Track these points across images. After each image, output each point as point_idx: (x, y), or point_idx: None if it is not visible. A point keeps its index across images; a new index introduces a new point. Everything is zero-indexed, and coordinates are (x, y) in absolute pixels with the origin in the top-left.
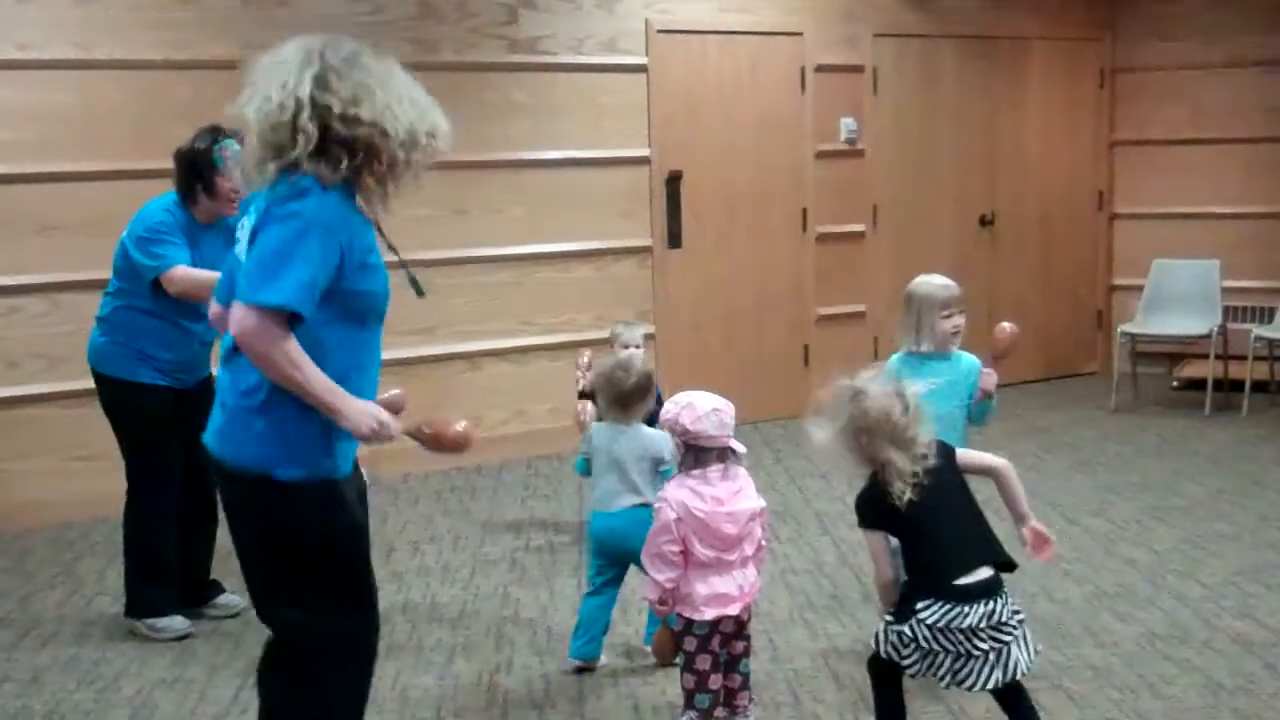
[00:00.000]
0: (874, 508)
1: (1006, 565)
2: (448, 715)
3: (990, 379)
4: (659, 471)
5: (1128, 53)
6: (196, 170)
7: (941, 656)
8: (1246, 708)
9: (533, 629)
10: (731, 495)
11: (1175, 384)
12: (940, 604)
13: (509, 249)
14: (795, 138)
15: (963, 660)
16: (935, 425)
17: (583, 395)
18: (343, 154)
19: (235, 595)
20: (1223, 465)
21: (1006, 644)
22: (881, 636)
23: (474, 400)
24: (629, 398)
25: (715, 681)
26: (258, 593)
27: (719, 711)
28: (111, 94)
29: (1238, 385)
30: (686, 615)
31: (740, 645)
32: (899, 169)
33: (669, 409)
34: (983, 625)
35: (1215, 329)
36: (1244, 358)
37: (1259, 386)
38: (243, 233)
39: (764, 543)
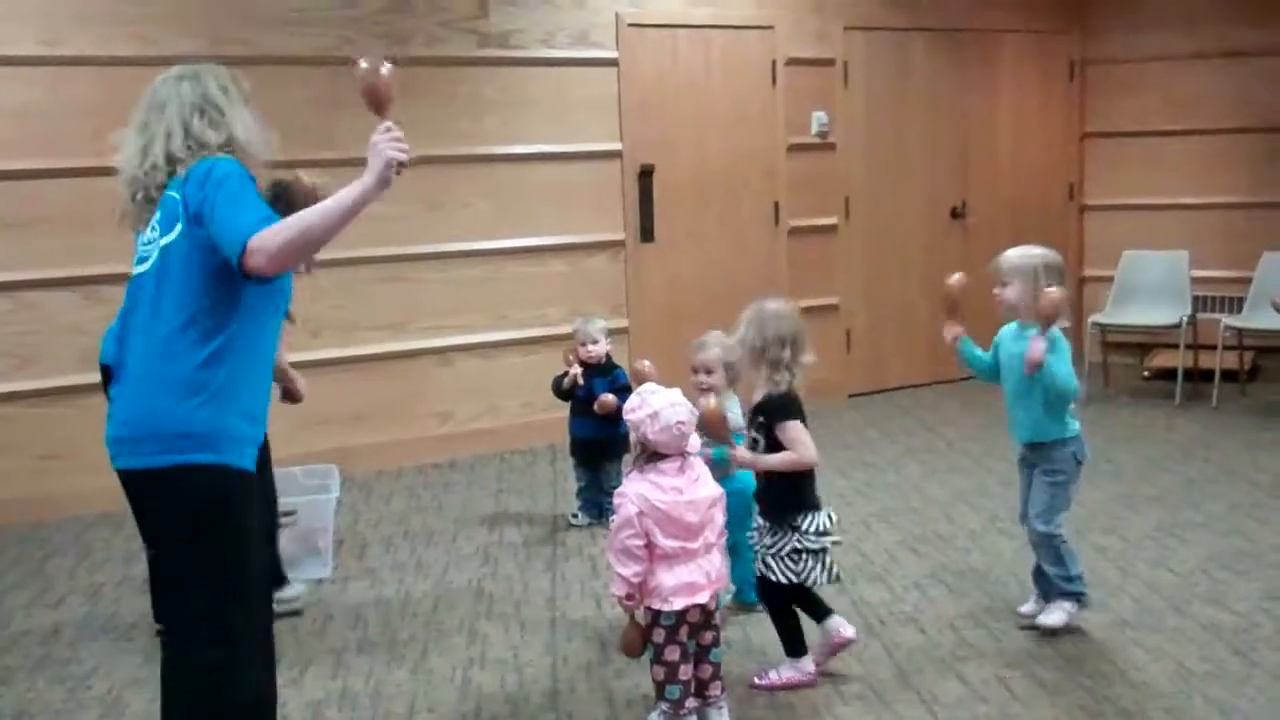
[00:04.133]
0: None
1: None
2: (421, 710)
3: (1035, 347)
4: None
5: (1097, 45)
6: None
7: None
8: (1216, 693)
9: (505, 624)
10: (690, 484)
11: (1146, 374)
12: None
13: (481, 244)
14: (767, 131)
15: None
16: (1010, 397)
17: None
18: None
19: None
20: (1193, 454)
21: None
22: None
23: (446, 395)
24: None
25: (685, 672)
26: None
27: (691, 702)
28: (79, 90)
29: (1208, 375)
30: (655, 607)
31: (709, 635)
32: (870, 162)
33: (635, 406)
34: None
35: (1185, 319)
36: (1214, 347)
37: (1228, 376)
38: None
39: (724, 530)
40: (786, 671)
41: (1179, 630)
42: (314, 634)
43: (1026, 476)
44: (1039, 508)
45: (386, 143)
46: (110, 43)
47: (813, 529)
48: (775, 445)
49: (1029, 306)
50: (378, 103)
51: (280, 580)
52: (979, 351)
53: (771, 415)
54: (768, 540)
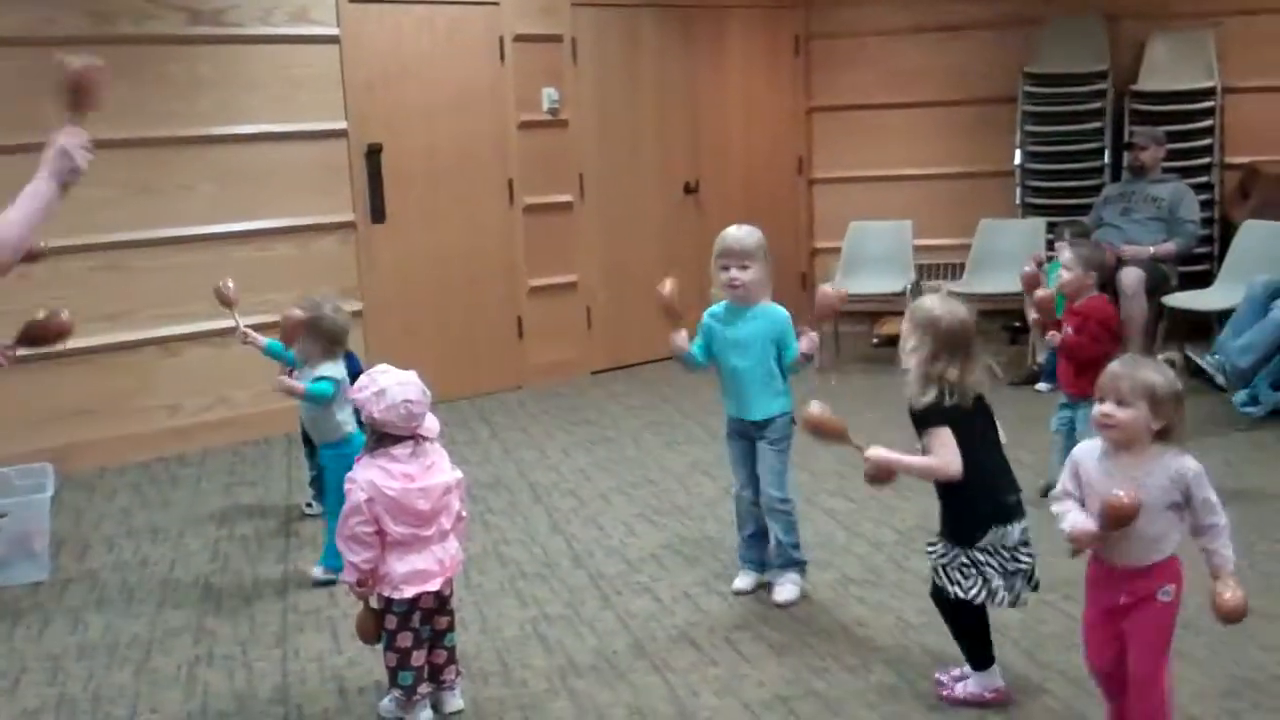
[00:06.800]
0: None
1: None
2: (144, 712)
3: (811, 342)
4: None
5: (820, 19)
6: None
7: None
8: (934, 644)
9: (234, 619)
10: (423, 471)
11: (875, 340)
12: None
13: (201, 228)
14: (497, 108)
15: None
16: (745, 377)
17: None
18: None
19: None
20: None
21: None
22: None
23: (173, 387)
24: None
25: (418, 658)
26: None
27: (424, 687)
28: None
29: None
30: (386, 594)
31: (444, 620)
32: (603, 138)
33: (363, 385)
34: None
35: (909, 286)
36: None
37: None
38: None
39: (463, 514)
40: (972, 686)
41: (900, 585)
42: (29, 640)
43: (744, 449)
44: (774, 476)
45: (79, 148)
46: None
47: (987, 544)
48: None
49: (763, 288)
50: (84, 101)
51: None
52: (693, 348)
53: (918, 423)
54: (940, 549)
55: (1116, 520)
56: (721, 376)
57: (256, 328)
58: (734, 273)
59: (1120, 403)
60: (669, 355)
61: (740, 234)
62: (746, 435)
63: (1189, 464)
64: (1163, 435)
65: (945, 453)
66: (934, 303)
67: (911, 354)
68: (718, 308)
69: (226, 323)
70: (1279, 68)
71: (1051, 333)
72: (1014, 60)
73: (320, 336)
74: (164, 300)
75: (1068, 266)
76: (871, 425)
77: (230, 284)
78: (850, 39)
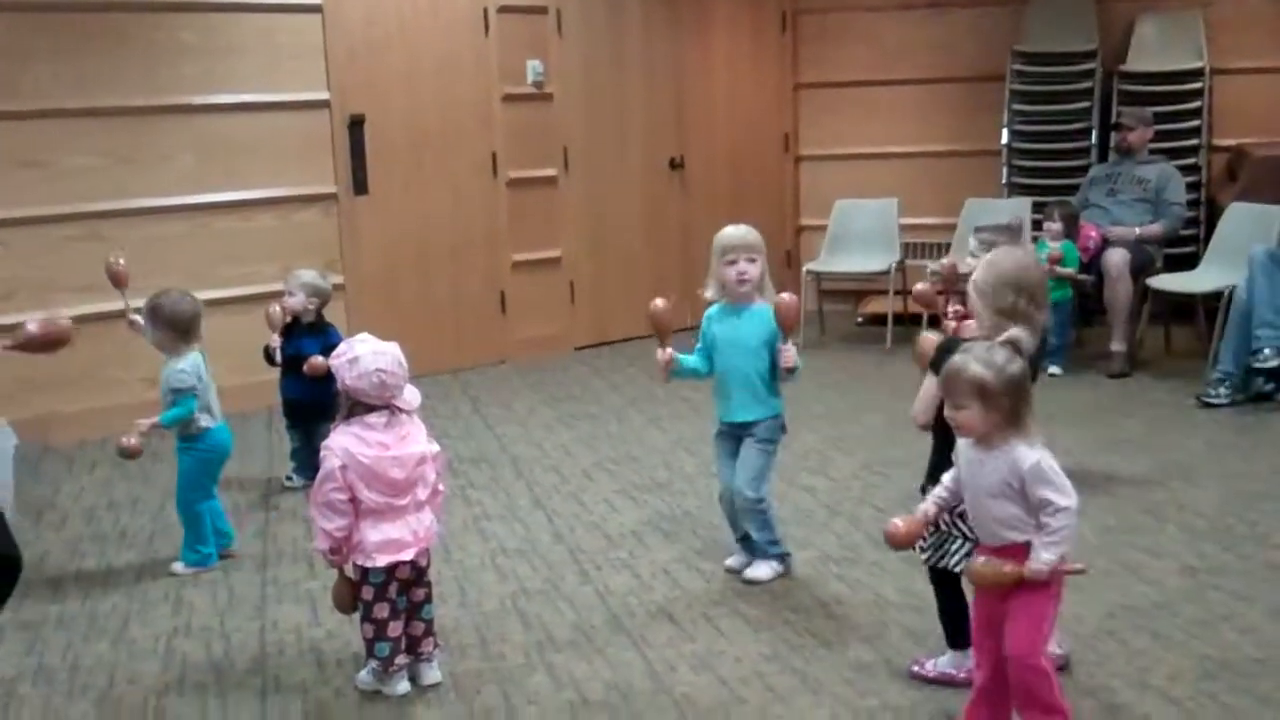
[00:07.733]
0: None
1: None
2: (121, 682)
3: (788, 356)
4: None
5: None
6: None
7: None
8: (912, 622)
9: (213, 590)
10: (398, 440)
11: (860, 320)
12: None
13: (181, 198)
14: (481, 80)
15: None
16: (737, 376)
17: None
18: None
19: None
20: (901, 395)
21: None
22: None
23: (150, 359)
24: None
25: (395, 629)
26: None
27: (401, 659)
28: None
29: (917, 319)
30: (360, 563)
31: (420, 592)
32: (588, 112)
33: (340, 353)
34: None
35: (894, 265)
36: None
37: (934, 320)
38: None
39: (440, 487)
40: (944, 664)
41: (879, 563)
42: (7, 610)
43: (731, 449)
44: (751, 473)
45: None
46: None
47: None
48: None
49: (763, 286)
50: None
51: None
52: (691, 359)
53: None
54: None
55: (893, 545)
56: (715, 377)
57: (237, 300)
58: (743, 265)
59: (956, 405)
60: (653, 332)
61: (742, 230)
62: (735, 435)
63: (1025, 457)
64: (1015, 420)
65: (921, 400)
66: (995, 258)
67: (996, 314)
68: (714, 309)
69: (203, 294)
70: (1268, 49)
71: (946, 322)
72: (1002, 38)
73: (161, 324)
74: (144, 271)
75: (976, 256)
76: (847, 407)
77: (122, 260)
78: (838, 15)
